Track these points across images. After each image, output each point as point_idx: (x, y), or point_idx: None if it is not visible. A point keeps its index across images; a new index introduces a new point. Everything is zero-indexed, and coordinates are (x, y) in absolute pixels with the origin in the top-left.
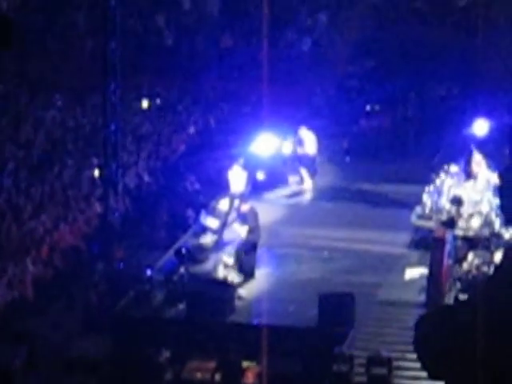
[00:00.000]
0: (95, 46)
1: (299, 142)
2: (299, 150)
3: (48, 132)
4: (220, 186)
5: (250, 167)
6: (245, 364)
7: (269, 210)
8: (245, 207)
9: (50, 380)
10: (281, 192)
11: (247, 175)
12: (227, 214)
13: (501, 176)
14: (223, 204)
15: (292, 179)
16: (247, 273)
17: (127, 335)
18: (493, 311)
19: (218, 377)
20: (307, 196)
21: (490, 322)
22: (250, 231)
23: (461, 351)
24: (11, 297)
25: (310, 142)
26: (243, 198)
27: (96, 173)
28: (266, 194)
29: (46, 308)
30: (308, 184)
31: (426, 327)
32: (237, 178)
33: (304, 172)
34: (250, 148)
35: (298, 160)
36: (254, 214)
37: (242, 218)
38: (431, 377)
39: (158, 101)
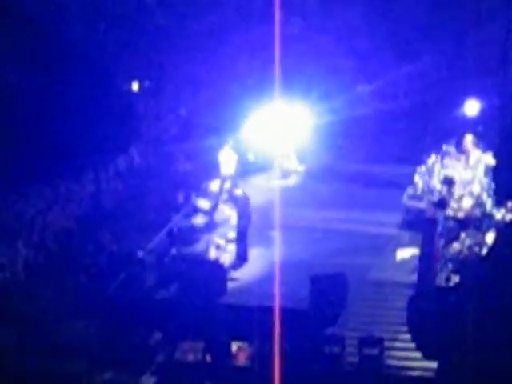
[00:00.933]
0: (86, 29)
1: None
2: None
3: (40, 114)
4: (211, 168)
5: (241, 149)
6: (236, 345)
7: (259, 191)
8: (237, 191)
9: (40, 363)
10: (268, 175)
11: (237, 157)
12: (218, 195)
13: (496, 156)
14: (214, 185)
15: (282, 160)
16: (240, 256)
17: (118, 317)
18: (484, 291)
19: (209, 358)
20: (292, 181)
21: (482, 303)
22: (241, 216)
23: (454, 331)
24: (2, 279)
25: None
26: (234, 179)
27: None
28: (255, 177)
29: (37, 290)
30: (293, 169)
31: (419, 307)
32: (227, 160)
33: (292, 156)
34: (240, 130)
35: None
36: (245, 198)
37: (234, 202)
38: (425, 356)
39: (148, 83)
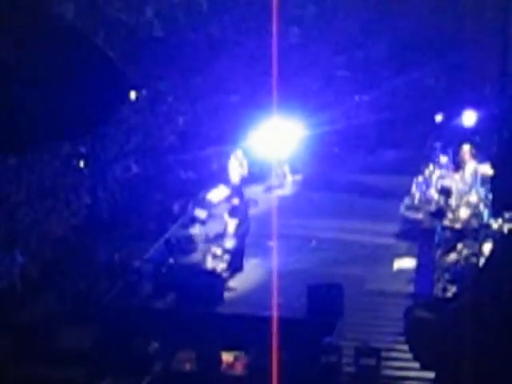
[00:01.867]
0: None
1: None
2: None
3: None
4: (208, 177)
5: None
6: (233, 355)
7: (255, 201)
8: (236, 200)
9: (37, 371)
10: (265, 185)
11: (246, 165)
12: (219, 204)
13: (493, 167)
14: (213, 195)
15: (278, 170)
16: (236, 265)
17: (116, 326)
18: (482, 302)
19: (205, 367)
20: (288, 190)
21: (479, 313)
22: (240, 224)
23: (451, 341)
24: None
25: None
26: (239, 189)
27: (84, 164)
28: (252, 186)
29: (33, 299)
30: (288, 179)
31: (416, 318)
32: (236, 168)
33: (286, 168)
34: (239, 141)
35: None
36: (244, 207)
37: (233, 211)
38: (422, 367)
39: (146, 92)
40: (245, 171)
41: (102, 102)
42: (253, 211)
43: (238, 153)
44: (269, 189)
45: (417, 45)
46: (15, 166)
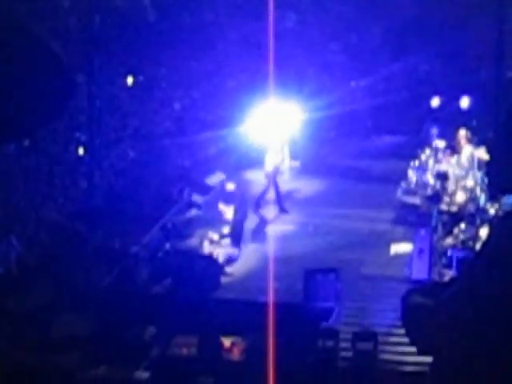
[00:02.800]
0: (79, 24)
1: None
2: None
3: None
4: (205, 162)
5: (238, 144)
6: (230, 340)
7: (253, 186)
8: (231, 186)
9: (33, 357)
10: (264, 169)
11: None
12: (216, 189)
13: (489, 151)
14: (211, 180)
15: (275, 155)
16: (235, 243)
17: (112, 312)
18: (479, 287)
19: (202, 352)
20: (286, 176)
21: (476, 298)
22: (236, 211)
23: (448, 326)
24: None
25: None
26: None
27: (81, 150)
28: (249, 171)
29: (30, 285)
30: (287, 165)
31: (413, 302)
32: (272, 158)
33: (286, 151)
34: (235, 126)
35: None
36: (240, 193)
37: (229, 197)
38: (419, 352)
39: (143, 77)
40: (281, 161)
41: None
42: (250, 196)
43: (277, 143)
44: (266, 174)
45: (412, 30)
46: (11, 152)
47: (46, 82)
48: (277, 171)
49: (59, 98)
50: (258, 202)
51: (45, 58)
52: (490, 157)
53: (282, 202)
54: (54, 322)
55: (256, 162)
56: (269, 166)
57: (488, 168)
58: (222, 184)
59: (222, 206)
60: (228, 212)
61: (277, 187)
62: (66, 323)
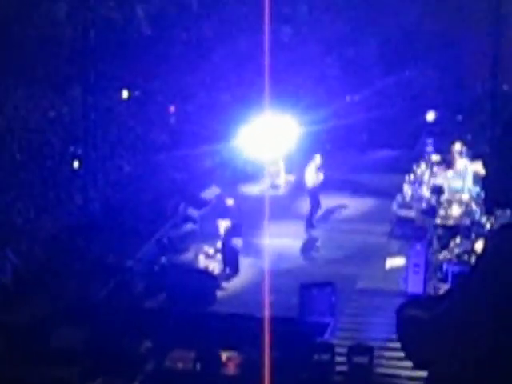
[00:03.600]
0: (75, 37)
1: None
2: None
3: (28, 122)
4: (201, 176)
5: (233, 158)
6: (226, 354)
7: (248, 200)
8: (229, 201)
9: (29, 371)
10: (258, 184)
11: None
12: (211, 203)
13: (484, 165)
14: (205, 194)
15: (272, 169)
16: (231, 267)
17: (108, 325)
18: (474, 301)
19: (198, 366)
20: (281, 190)
21: (472, 311)
22: (233, 226)
23: (443, 340)
24: None
25: (292, 134)
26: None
27: (76, 163)
28: (245, 185)
29: (25, 298)
30: (282, 179)
31: (408, 316)
32: (313, 173)
33: (281, 165)
34: (231, 139)
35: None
36: (237, 208)
37: (225, 212)
38: (415, 366)
39: (138, 91)
40: (320, 177)
41: None
42: (246, 210)
43: (317, 158)
44: (263, 188)
45: (408, 44)
46: (7, 165)
47: None
48: (318, 186)
49: None
50: (311, 220)
51: None
52: (486, 171)
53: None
54: (50, 335)
55: (251, 176)
56: (309, 181)
57: (484, 182)
58: (218, 198)
59: (215, 222)
60: (223, 227)
61: (318, 202)
62: (62, 336)
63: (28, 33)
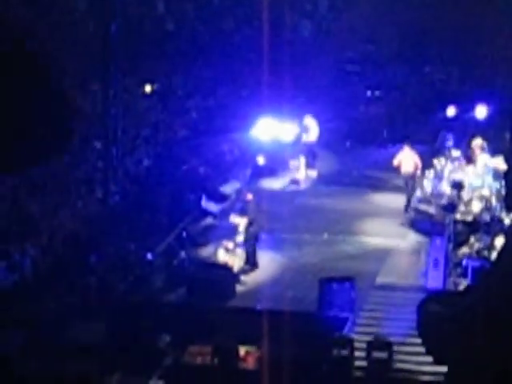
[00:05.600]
0: (96, 31)
1: (305, 130)
2: (304, 138)
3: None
4: (221, 171)
5: (252, 151)
6: (245, 349)
7: (268, 195)
8: (249, 197)
9: (48, 365)
10: (278, 179)
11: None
12: (231, 197)
13: (506, 161)
14: (226, 188)
15: (293, 164)
16: (250, 262)
17: (127, 320)
18: (495, 298)
19: (217, 361)
20: (302, 185)
21: (493, 308)
22: (251, 222)
23: (464, 336)
24: (11, 281)
25: (313, 129)
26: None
27: (96, 157)
28: (265, 180)
29: (45, 292)
30: (302, 174)
31: (428, 312)
32: (409, 159)
33: (302, 160)
34: (250, 132)
35: (301, 147)
36: (256, 204)
37: (244, 208)
38: (435, 361)
39: (159, 86)
40: (418, 163)
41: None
42: (266, 205)
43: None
44: (283, 183)
45: (428, 39)
46: (27, 160)
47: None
48: (414, 174)
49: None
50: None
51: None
52: (507, 166)
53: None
54: (69, 330)
55: (272, 170)
56: (406, 170)
57: (505, 177)
58: (238, 192)
59: (235, 218)
60: (241, 224)
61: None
62: (81, 330)
63: (49, 28)
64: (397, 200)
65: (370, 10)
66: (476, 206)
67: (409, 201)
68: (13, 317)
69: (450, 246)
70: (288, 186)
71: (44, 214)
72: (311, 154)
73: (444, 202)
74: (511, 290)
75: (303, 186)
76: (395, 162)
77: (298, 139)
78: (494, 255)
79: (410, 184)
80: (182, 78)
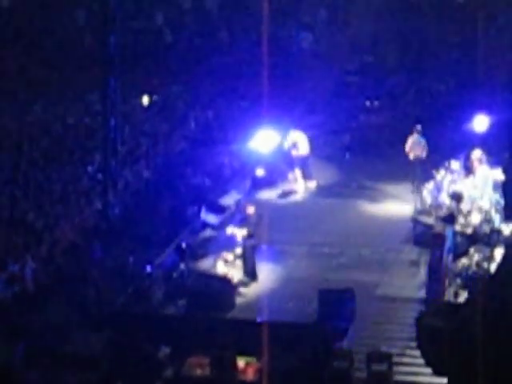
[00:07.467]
0: (95, 43)
1: (293, 145)
2: (293, 152)
3: (48, 128)
4: (220, 183)
5: (252, 163)
6: (245, 360)
7: (267, 206)
8: (250, 209)
9: (48, 377)
10: (277, 190)
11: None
12: (231, 209)
13: (504, 172)
14: (226, 200)
15: (291, 176)
16: (249, 275)
17: (126, 331)
18: (494, 309)
19: (216, 373)
20: (299, 196)
21: (492, 319)
22: (251, 235)
23: (463, 347)
24: (11, 292)
25: (302, 143)
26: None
27: (95, 169)
28: (264, 191)
29: (45, 304)
30: (300, 185)
31: (428, 323)
32: (416, 142)
33: (298, 173)
34: (249, 144)
35: (292, 161)
36: (257, 216)
37: (244, 220)
38: (435, 372)
39: (158, 97)
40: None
41: None
42: (264, 216)
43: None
44: (282, 194)
45: (427, 50)
46: (26, 171)
47: None
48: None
49: None
50: None
51: None
52: (506, 177)
53: None
54: (69, 341)
55: (270, 182)
56: (416, 154)
57: (504, 189)
58: (237, 204)
59: (233, 229)
60: (240, 236)
61: None
62: (81, 342)
63: (48, 40)
64: (396, 211)
65: (370, 22)
66: (475, 218)
67: (416, 187)
68: (13, 328)
69: (450, 257)
70: (287, 198)
71: (44, 226)
72: (306, 166)
73: (444, 213)
74: (509, 300)
75: (302, 197)
76: (407, 149)
77: (285, 151)
78: (493, 266)
79: (417, 169)
80: (180, 89)
